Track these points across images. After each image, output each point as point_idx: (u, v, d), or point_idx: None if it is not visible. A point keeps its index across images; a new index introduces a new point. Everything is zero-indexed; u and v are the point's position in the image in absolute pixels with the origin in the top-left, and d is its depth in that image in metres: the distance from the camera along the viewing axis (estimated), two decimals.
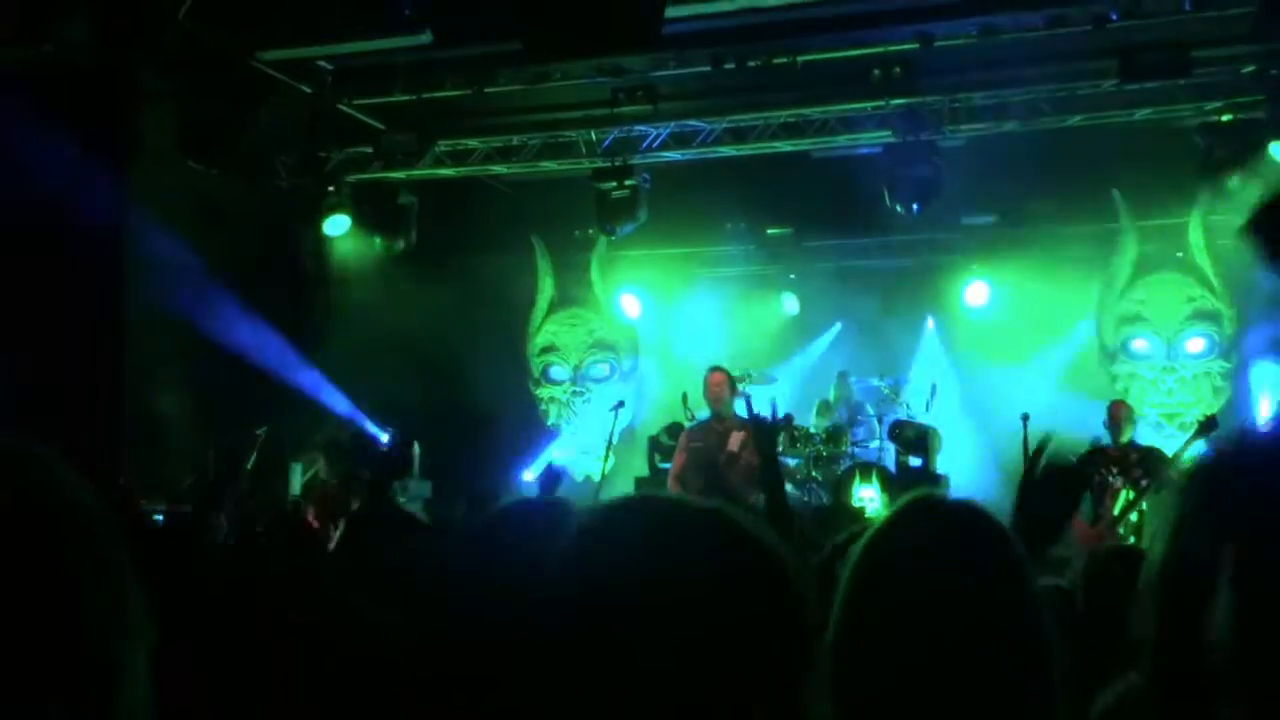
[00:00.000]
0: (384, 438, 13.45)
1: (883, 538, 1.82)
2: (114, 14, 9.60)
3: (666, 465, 11.65)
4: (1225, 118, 11.34)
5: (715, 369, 10.01)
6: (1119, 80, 10.88)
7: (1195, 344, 13.49)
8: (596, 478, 11.75)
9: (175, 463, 11.08)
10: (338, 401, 13.22)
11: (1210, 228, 13.17)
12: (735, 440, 9.39)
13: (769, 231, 15.21)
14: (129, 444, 10.64)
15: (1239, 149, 11.21)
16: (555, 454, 14.79)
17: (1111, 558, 3.56)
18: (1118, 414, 10.50)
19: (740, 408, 9.41)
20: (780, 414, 6.15)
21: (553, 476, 5.09)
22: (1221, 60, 11.01)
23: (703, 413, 10.29)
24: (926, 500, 1.88)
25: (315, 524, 9.53)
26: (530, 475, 14.44)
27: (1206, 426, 10.03)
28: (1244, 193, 11.44)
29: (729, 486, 9.19)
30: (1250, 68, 11.05)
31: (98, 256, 10.21)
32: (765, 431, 5.77)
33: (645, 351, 15.61)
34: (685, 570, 1.34)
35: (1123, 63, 10.66)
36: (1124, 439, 10.33)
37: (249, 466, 10.19)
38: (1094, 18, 10.21)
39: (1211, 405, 12.89)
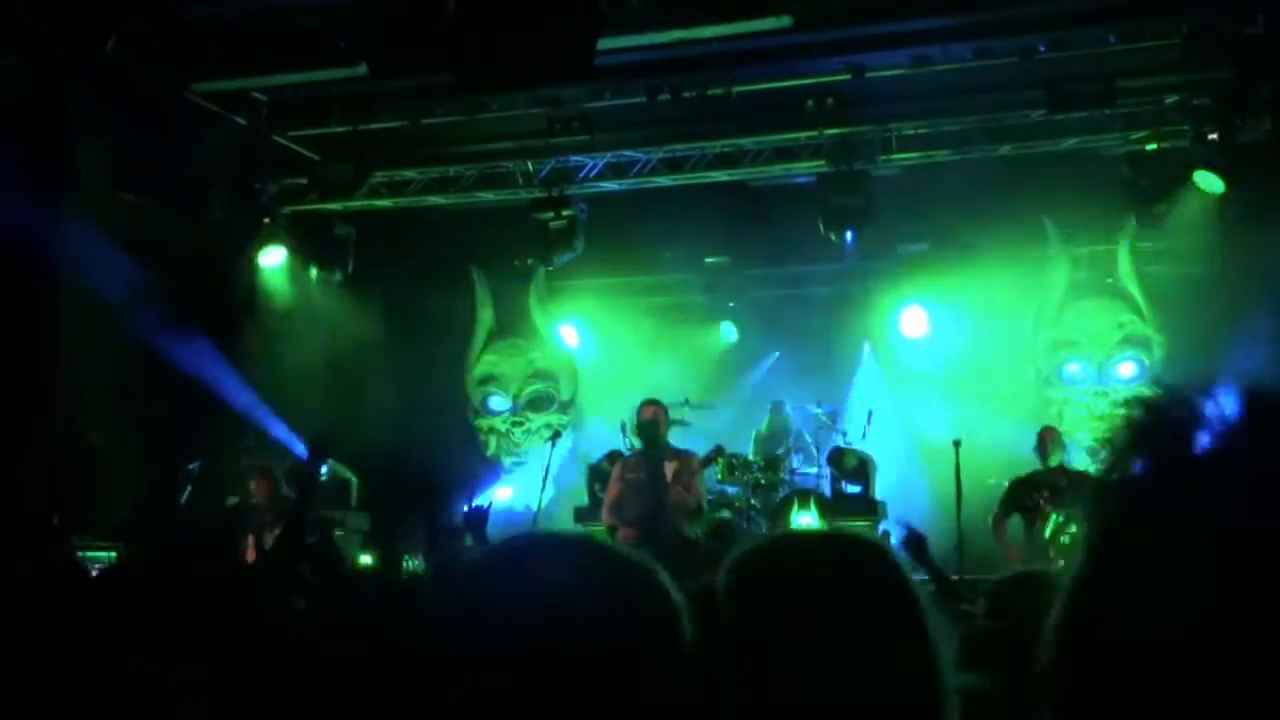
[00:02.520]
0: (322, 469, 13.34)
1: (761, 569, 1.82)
2: (46, 48, 9.55)
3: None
4: (1151, 146, 11.54)
5: (646, 402, 10.08)
6: (1047, 110, 11.08)
7: (1126, 368, 13.68)
8: (535, 507, 11.72)
9: (110, 496, 10.96)
10: (279, 432, 13.10)
11: (1139, 254, 13.39)
12: (669, 470, 9.44)
13: (707, 260, 15.28)
14: (62, 478, 10.51)
15: (1165, 177, 11.42)
16: (498, 492, 14.71)
17: (1011, 582, 3.58)
18: (1046, 439, 10.65)
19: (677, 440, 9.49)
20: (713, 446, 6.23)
21: (477, 517, 5.07)
22: (1146, 91, 11.24)
23: (640, 443, 10.32)
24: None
25: (251, 554, 9.44)
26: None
27: None
28: (1170, 219, 11.69)
29: (670, 525, 9.24)
30: (1174, 98, 11.28)
31: (31, 288, 10.11)
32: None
33: (584, 381, 15.61)
34: (560, 609, 1.32)
35: (1050, 93, 10.87)
36: (1053, 463, 10.46)
37: (183, 500, 10.12)
38: (1021, 49, 10.41)
39: None
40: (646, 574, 1.40)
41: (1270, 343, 9.95)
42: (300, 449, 13.04)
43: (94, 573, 4.98)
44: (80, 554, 8.65)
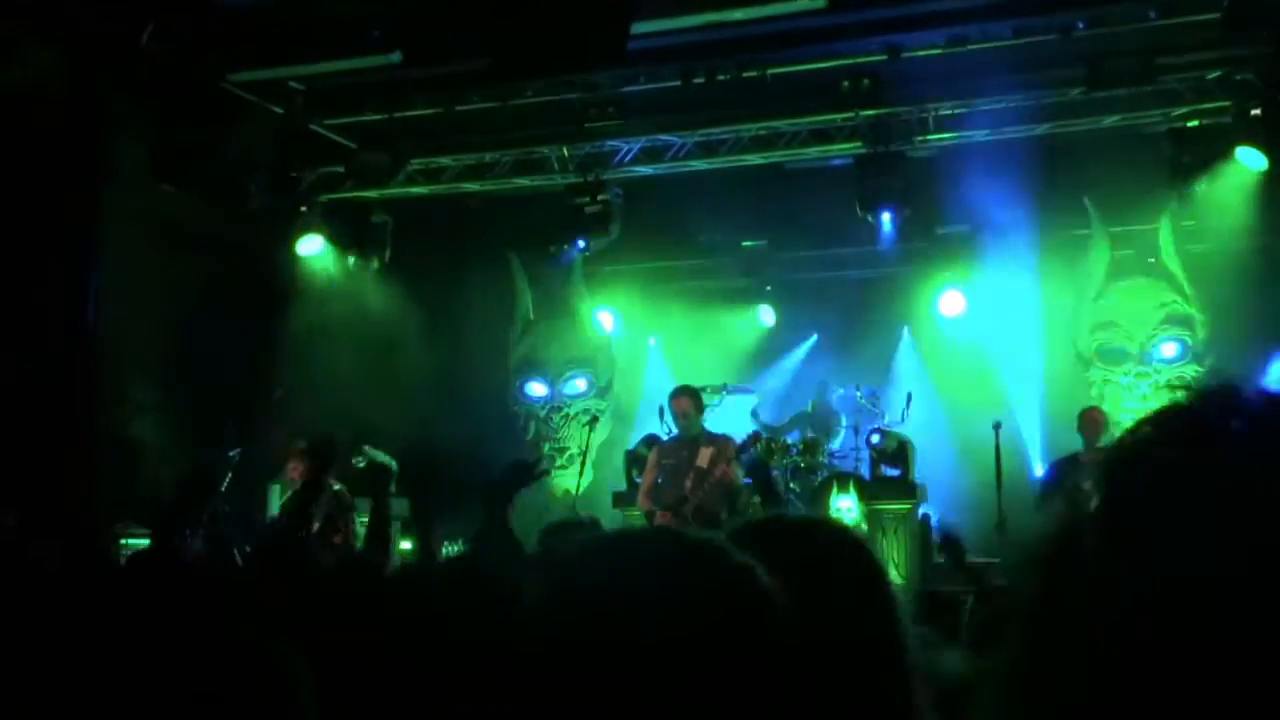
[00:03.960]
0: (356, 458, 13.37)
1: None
2: (84, 39, 9.61)
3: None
4: (1192, 123, 11.41)
5: (678, 391, 10.08)
6: (1086, 88, 10.96)
7: (1168, 349, 13.54)
8: (574, 492, 11.75)
9: (151, 486, 11.04)
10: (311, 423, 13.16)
11: (1180, 233, 13.25)
12: (704, 457, 9.43)
13: (743, 244, 15.25)
14: (103, 467, 10.60)
15: (1207, 154, 11.28)
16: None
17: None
18: (1091, 420, 10.57)
19: (710, 424, 9.46)
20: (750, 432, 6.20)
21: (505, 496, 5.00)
22: (1187, 67, 11.07)
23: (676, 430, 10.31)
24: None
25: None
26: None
27: None
28: (1212, 197, 11.55)
29: (703, 505, 9.24)
30: (1216, 73, 11.11)
31: (67, 281, 10.19)
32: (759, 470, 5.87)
33: (622, 365, 15.62)
34: (652, 612, 1.36)
35: (1090, 70, 10.74)
36: (1099, 445, 10.39)
37: (223, 488, 10.16)
38: (1060, 27, 10.29)
39: None
40: (744, 570, 1.43)
41: None
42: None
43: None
44: (121, 542, 8.74)
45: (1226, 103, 11.16)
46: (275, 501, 12.12)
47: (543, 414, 15.74)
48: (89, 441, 10.45)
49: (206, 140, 11.37)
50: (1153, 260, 13.66)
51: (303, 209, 13.23)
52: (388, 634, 2.52)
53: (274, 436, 12.47)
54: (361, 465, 13.03)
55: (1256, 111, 10.83)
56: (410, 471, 13.09)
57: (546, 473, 10.39)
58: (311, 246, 13.37)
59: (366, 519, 11.60)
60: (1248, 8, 9.76)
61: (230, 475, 10.77)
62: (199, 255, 11.32)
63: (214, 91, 11.05)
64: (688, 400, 9.85)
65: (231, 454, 10.53)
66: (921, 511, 12.13)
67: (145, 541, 8.91)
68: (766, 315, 15.40)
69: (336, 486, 10.24)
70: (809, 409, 13.98)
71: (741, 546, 1.48)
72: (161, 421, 11.39)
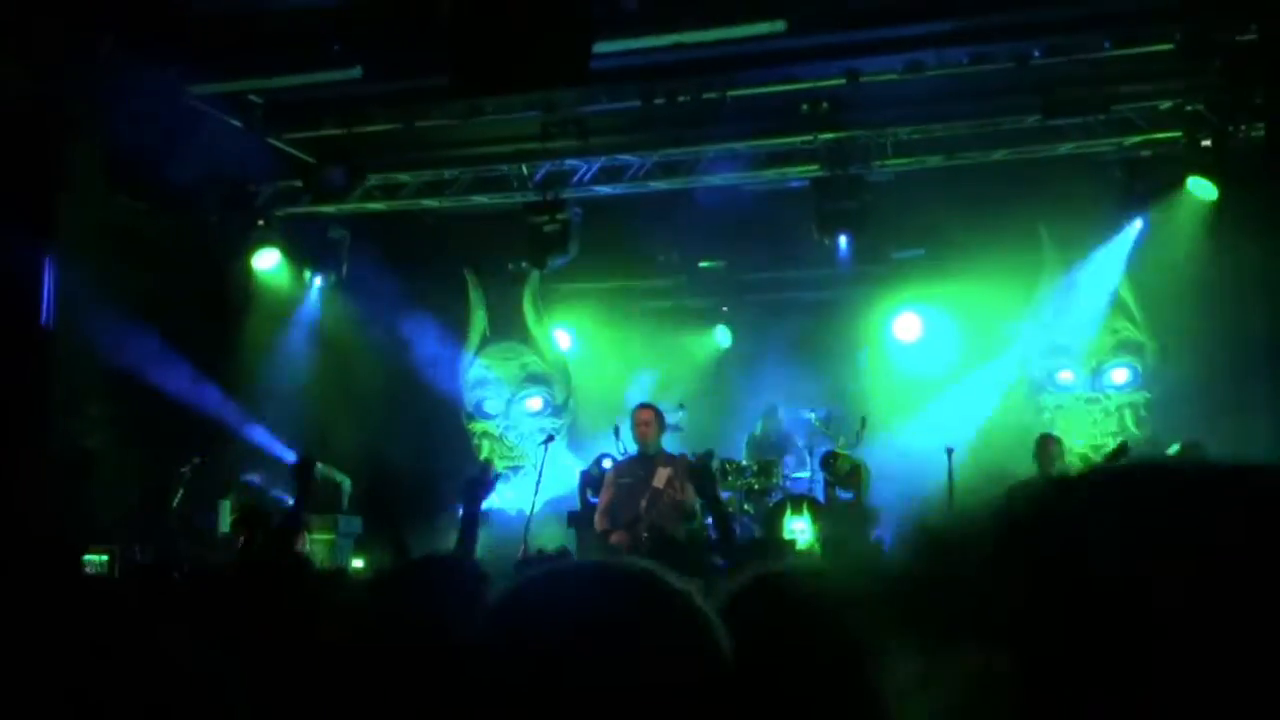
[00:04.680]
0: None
1: None
2: (43, 48, 9.54)
3: (597, 500, 11.66)
4: (1145, 152, 11.57)
5: (643, 405, 10.09)
6: (1042, 116, 11.09)
7: (1119, 375, 13.68)
8: (528, 512, 11.71)
9: (105, 500, 10.94)
10: (266, 437, 13.08)
11: (1132, 260, 13.39)
12: (661, 476, 9.44)
13: (701, 264, 15.29)
14: (55, 481, 10.48)
15: (1159, 183, 11.45)
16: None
17: None
18: (1047, 447, 10.68)
19: (668, 444, 9.47)
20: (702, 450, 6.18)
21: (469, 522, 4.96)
22: (1140, 96, 11.24)
23: (634, 447, 10.33)
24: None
25: None
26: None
27: (1118, 454, 10.25)
28: (1164, 225, 11.70)
29: (656, 524, 9.25)
30: (1168, 104, 11.29)
31: (21, 290, 10.09)
32: (704, 475, 5.84)
33: (578, 385, 15.61)
34: (609, 642, 1.36)
35: (1045, 99, 10.88)
36: (1053, 472, 10.46)
37: (175, 503, 10.11)
38: (1016, 55, 10.41)
39: (1134, 436, 13.08)
40: (697, 611, 1.43)
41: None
42: (288, 455, 13.05)
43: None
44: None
45: (1178, 133, 11.32)
46: (226, 517, 12.05)
47: (497, 432, 15.70)
48: (42, 453, 10.33)
49: (164, 152, 11.29)
50: (1105, 286, 13.79)
51: (259, 223, 13.17)
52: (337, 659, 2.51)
53: (227, 452, 12.40)
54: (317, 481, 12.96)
55: (1207, 142, 11.00)
56: (363, 490, 13.11)
57: (499, 475, 10.32)
58: (267, 261, 13.30)
59: (318, 536, 11.62)
60: (1199, 40, 9.92)
61: (183, 490, 10.72)
62: (154, 267, 11.22)
63: (173, 103, 10.98)
64: (651, 413, 9.86)
65: (184, 469, 10.49)
66: (875, 535, 12.17)
67: (99, 557, 8.83)
68: (723, 336, 15.45)
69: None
70: (756, 432, 14.01)
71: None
72: (115, 436, 11.28)
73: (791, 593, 2.04)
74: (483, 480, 5.49)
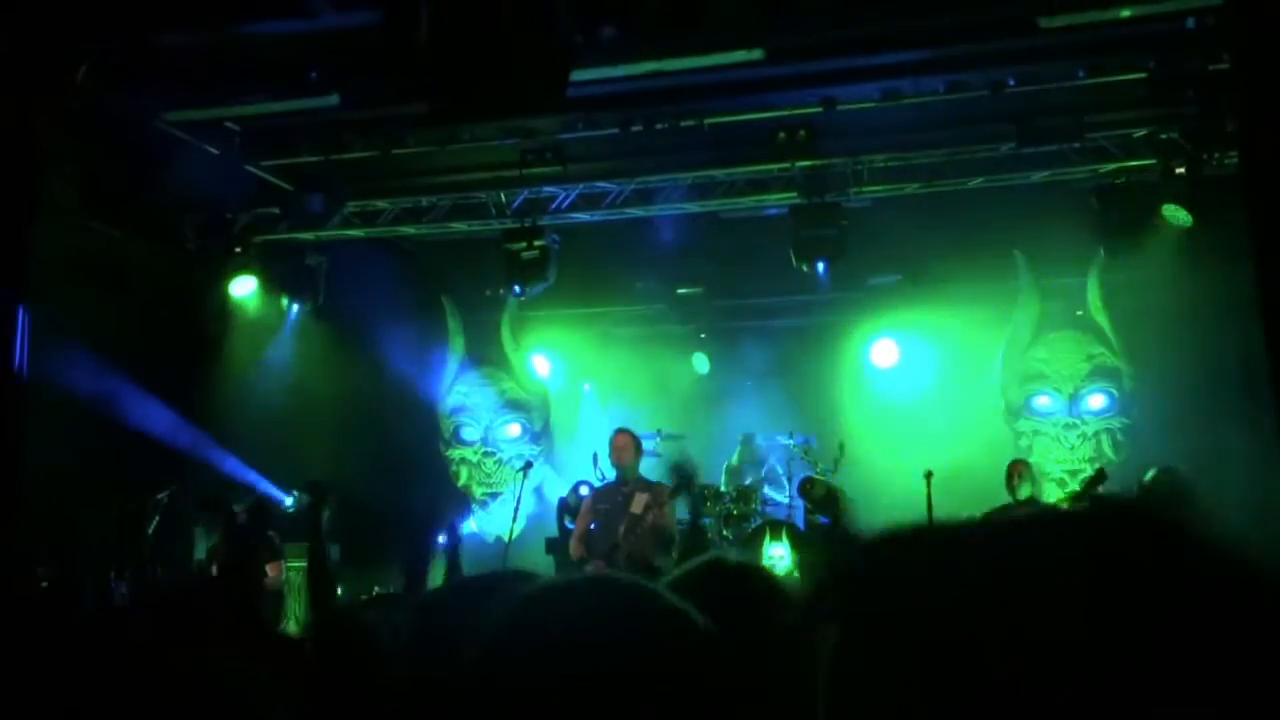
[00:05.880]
0: (287, 501, 13.22)
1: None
2: (17, 74, 9.50)
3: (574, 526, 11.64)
4: (1119, 180, 11.65)
5: (620, 431, 10.08)
6: (1016, 144, 11.16)
7: (1096, 400, 13.76)
8: (506, 538, 11.71)
9: (79, 527, 10.86)
10: (240, 466, 13.03)
11: (1107, 287, 13.48)
12: (639, 503, 9.42)
13: (679, 291, 15.31)
14: (27, 510, 10.39)
15: (1133, 211, 11.52)
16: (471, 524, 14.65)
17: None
18: (1015, 472, 10.80)
19: (646, 470, 9.47)
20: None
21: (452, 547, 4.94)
22: (1114, 125, 11.34)
23: (612, 473, 10.31)
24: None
25: None
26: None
27: (1096, 480, 10.33)
28: (1138, 252, 11.77)
29: (635, 551, 9.23)
30: (1142, 132, 11.39)
31: None
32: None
33: (556, 411, 15.59)
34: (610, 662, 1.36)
35: (1020, 127, 10.95)
36: (1021, 495, 10.57)
37: (150, 531, 10.04)
38: (991, 84, 10.49)
39: (1111, 461, 13.12)
40: (678, 614, 1.44)
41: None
42: (263, 483, 13.02)
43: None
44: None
45: (1153, 161, 11.41)
46: (201, 546, 11.99)
47: (475, 459, 15.67)
48: (13, 483, 10.24)
49: (140, 179, 11.27)
50: (1081, 313, 13.90)
51: (237, 250, 13.14)
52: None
53: (201, 479, 12.33)
54: (291, 510, 12.94)
55: (1181, 170, 11.09)
56: (342, 518, 13.05)
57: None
58: (244, 288, 13.27)
59: (296, 564, 11.56)
60: (1173, 69, 10.02)
61: (158, 518, 10.65)
62: (130, 295, 11.17)
63: (149, 130, 10.96)
64: (628, 439, 9.86)
65: (160, 496, 10.42)
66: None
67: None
68: (701, 363, 15.44)
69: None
70: (734, 461, 14.00)
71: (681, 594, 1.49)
72: (89, 463, 11.20)
73: (748, 574, 2.08)
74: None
